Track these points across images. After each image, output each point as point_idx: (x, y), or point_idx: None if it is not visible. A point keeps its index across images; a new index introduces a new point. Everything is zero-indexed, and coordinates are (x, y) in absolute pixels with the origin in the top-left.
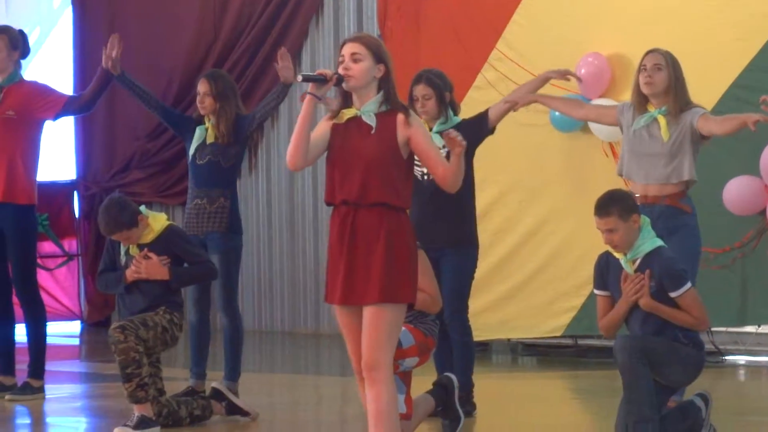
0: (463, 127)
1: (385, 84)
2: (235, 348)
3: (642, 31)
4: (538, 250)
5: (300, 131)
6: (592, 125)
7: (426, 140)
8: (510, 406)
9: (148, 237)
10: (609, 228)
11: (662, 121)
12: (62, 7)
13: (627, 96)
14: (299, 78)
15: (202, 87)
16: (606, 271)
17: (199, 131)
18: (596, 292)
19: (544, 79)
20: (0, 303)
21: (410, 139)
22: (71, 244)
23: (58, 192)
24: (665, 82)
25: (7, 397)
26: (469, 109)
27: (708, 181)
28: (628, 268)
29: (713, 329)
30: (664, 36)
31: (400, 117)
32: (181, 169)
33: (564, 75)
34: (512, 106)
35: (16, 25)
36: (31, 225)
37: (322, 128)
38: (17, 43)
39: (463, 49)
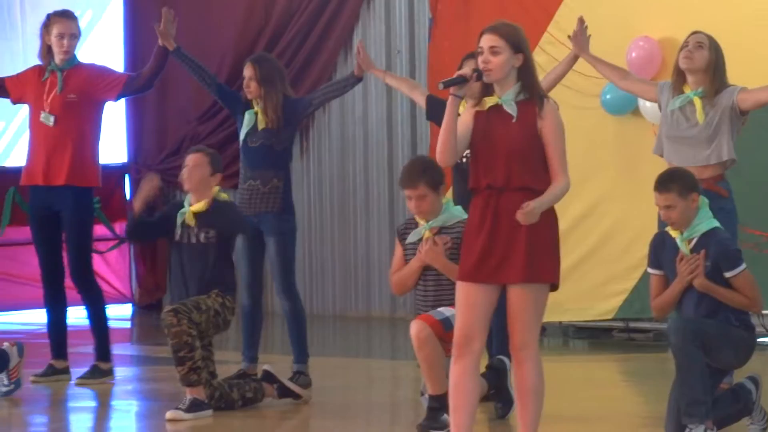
0: None
1: (524, 73)
2: (299, 330)
3: (693, 15)
4: (590, 233)
5: (446, 130)
6: (642, 108)
7: (551, 139)
8: (562, 389)
9: (198, 208)
10: (667, 204)
11: (698, 103)
12: None
13: None
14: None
15: (247, 71)
16: (661, 250)
17: (248, 116)
18: (650, 270)
19: (573, 58)
20: (52, 287)
21: (541, 131)
22: (122, 228)
23: (109, 175)
24: (704, 60)
25: (76, 381)
26: None
27: (761, 164)
28: (684, 248)
29: (764, 312)
30: (715, 20)
31: (536, 109)
32: (233, 152)
33: (579, 28)
34: (563, 71)
35: (69, 8)
36: (89, 207)
37: (466, 119)
38: (80, 27)
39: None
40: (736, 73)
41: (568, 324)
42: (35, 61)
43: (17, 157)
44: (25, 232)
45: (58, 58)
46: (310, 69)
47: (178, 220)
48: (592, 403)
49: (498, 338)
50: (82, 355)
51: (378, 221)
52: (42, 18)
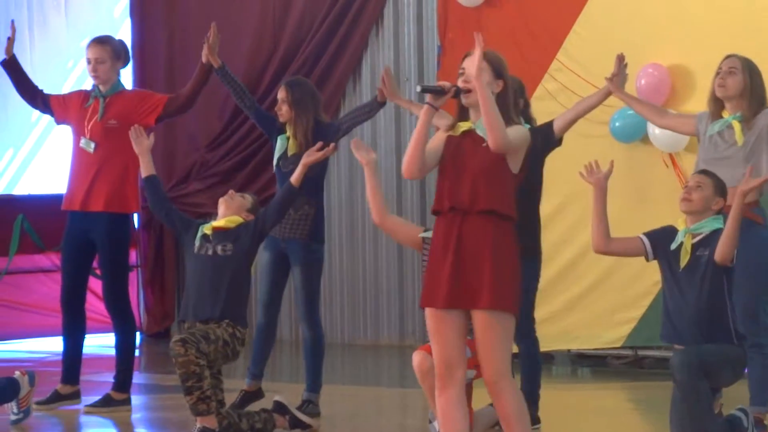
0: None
1: (501, 99)
2: (316, 360)
3: (703, 42)
4: (599, 260)
5: (416, 142)
6: (651, 136)
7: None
8: (572, 418)
9: (222, 223)
10: (698, 184)
11: (737, 126)
12: (122, 17)
13: (687, 107)
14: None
15: (280, 94)
16: (665, 239)
17: (280, 141)
18: (642, 234)
19: (606, 93)
20: (71, 312)
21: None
22: (131, 255)
23: None
24: (739, 86)
25: (85, 408)
26: None
27: None
28: (687, 241)
29: None
30: (726, 47)
31: None
32: (241, 180)
33: (616, 73)
34: (593, 105)
35: (76, 34)
36: (128, 234)
37: (438, 139)
38: (119, 53)
39: (524, 60)
40: None
41: (576, 352)
42: (45, 85)
43: (26, 184)
44: (31, 261)
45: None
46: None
47: (198, 234)
48: (599, 430)
49: (524, 373)
50: (92, 383)
51: (386, 249)
52: (51, 41)
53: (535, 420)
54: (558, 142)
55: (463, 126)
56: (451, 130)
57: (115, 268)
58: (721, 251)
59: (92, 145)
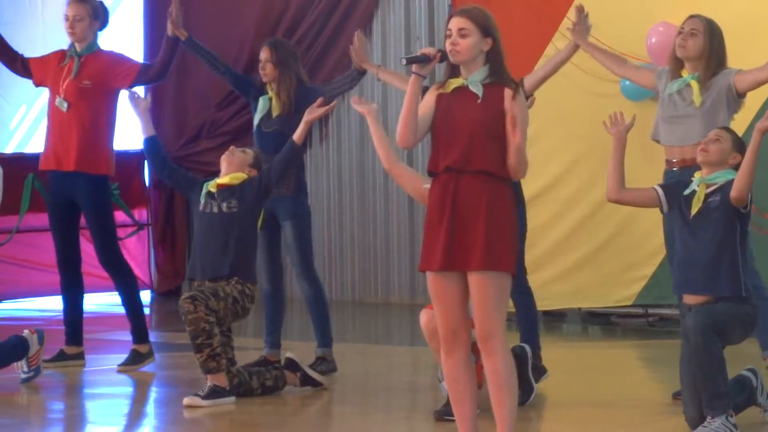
0: None
1: (492, 57)
2: (321, 313)
3: (713, 1)
4: (609, 219)
5: (407, 110)
6: None
7: (523, 123)
8: (581, 375)
9: (226, 180)
10: (718, 138)
11: (695, 86)
12: None
13: None
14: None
15: (263, 54)
16: (679, 190)
17: (262, 102)
18: (657, 186)
19: (573, 47)
20: (68, 273)
21: (508, 111)
22: (141, 214)
23: (128, 161)
24: (699, 48)
25: (118, 367)
26: None
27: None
28: (700, 190)
29: None
30: (737, 6)
31: (508, 92)
32: (251, 138)
33: (579, 17)
34: (562, 60)
35: None
36: (105, 195)
37: (429, 101)
38: (98, 12)
39: (535, 18)
40: (754, 60)
41: (587, 310)
42: (55, 47)
43: (37, 143)
44: (43, 219)
45: (71, 41)
46: (328, 55)
47: (203, 191)
48: (611, 389)
49: (521, 325)
50: (100, 341)
51: (397, 208)
52: (61, 4)
53: (542, 370)
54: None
55: (455, 83)
56: (441, 88)
57: (102, 228)
58: (738, 186)
59: (65, 104)
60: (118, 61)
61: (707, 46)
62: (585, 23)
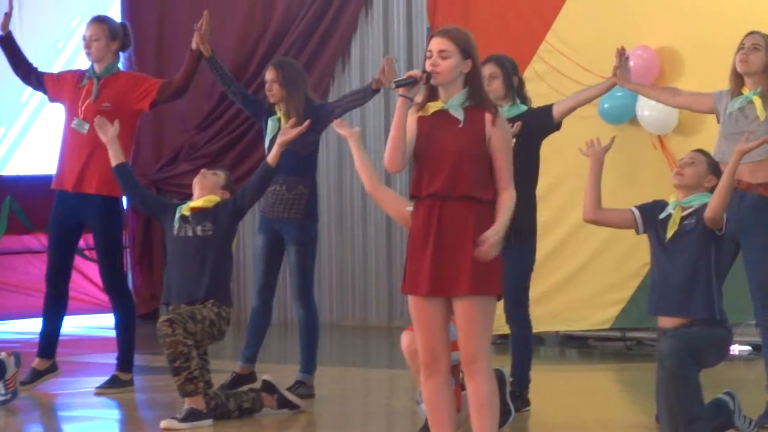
0: (528, 115)
1: (471, 79)
2: (311, 340)
3: (692, 25)
4: (587, 242)
5: (396, 134)
6: (640, 118)
7: (503, 147)
8: (561, 400)
9: (200, 203)
10: (692, 161)
11: (758, 101)
12: None
13: None
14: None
15: (269, 74)
16: (655, 211)
17: (272, 122)
18: (634, 207)
19: (610, 85)
20: (57, 287)
21: (490, 139)
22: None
23: None
24: (761, 62)
25: (96, 389)
26: None
27: None
28: (676, 213)
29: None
30: (714, 30)
31: (488, 116)
32: (229, 161)
33: (620, 61)
34: (597, 94)
35: (65, 14)
36: (118, 216)
37: (410, 124)
38: (116, 33)
39: (513, 42)
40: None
41: (565, 333)
42: (32, 51)
43: (15, 165)
44: (20, 242)
45: (91, 62)
46: (309, 76)
47: (177, 215)
48: (588, 413)
49: (515, 359)
50: (77, 364)
51: (375, 230)
52: (40, 21)
53: (526, 402)
54: (557, 126)
55: (434, 106)
56: (420, 111)
57: (110, 251)
58: (713, 206)
59: (86, 126)
60: (137, 82)
61: None
62: (625, 65)
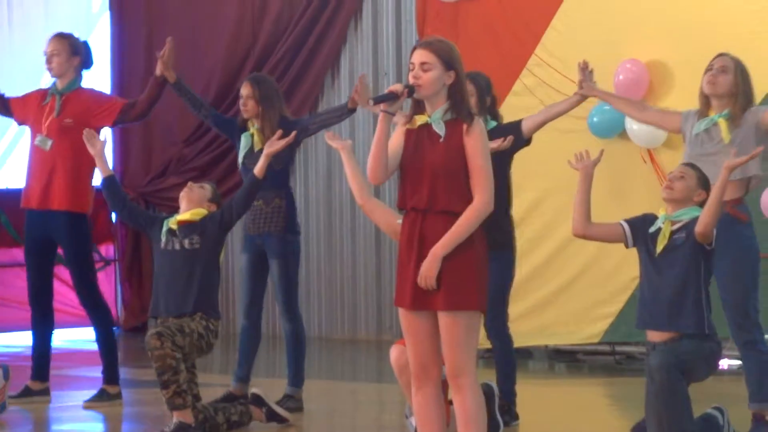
0: (496, 131)
1: (454, 91)
2: (298, 353)
3: (681, 38)
4: (576, 256)
5: (377, 147)
6: (629, 131)
7: (475, 154)
8: (550, 414)
9: (187, 216)
10: (682, 175)
11: (723, 124)
12: (100, 11)
13: (665, 102)
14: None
15: (244, 90)
16: (645, 225)
17: (245, 139)
18: (623, 221)
19: (577, 101)
20: (40, 308)
21: (465, 147)
22: (108, 250)
23: (95, 197)
24: (728, 85)
25: (84, 403)
26: (507, 114)
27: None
28: (666, 227)
29: None
30: (704, 44)
31: (465, 126)
32: (218, 174)
33: (584, 74)
34: (566, 110)
35: (55, 27)
36: (85, 232)
37: (398, 136)
38: (78, 49)
39: (502, 55)
40: None
41: (553, 347)
42: (23, 79)
43: (3, 178)
44: (9, 254)
45: (53, 79)
46: (297, 90)
47: (164, 228)
48: (578, 427)
49: (498, 373)
50: (66, 377)
51: (363, 244)
52: (29, 36)
53: (514, 416)
54: (527, 142)
55: (420, 120)
56: (408, 124)
57: (81, 265)
58: (703, 221)
59: (48, 142)
60: (99, 99)
61: (739, 83)
62: (590, 77)
